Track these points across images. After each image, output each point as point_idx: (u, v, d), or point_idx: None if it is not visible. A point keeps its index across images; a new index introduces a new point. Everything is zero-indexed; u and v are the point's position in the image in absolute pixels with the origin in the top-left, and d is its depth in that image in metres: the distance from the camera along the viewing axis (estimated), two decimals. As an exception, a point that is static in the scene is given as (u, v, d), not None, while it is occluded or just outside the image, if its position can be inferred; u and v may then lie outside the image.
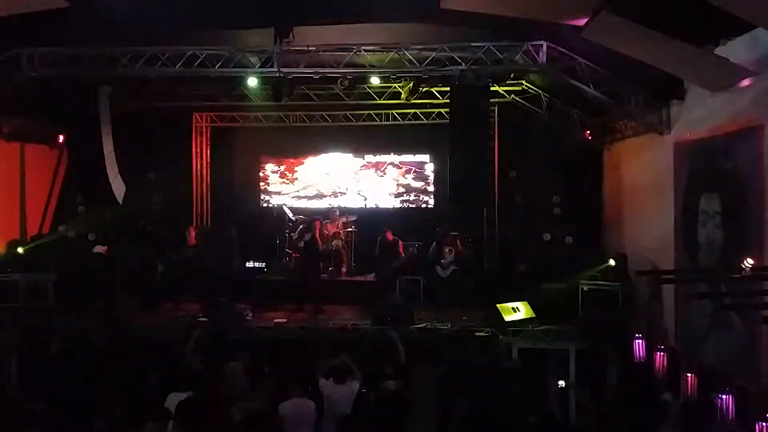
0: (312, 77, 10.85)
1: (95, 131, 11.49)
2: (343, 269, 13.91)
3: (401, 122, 14.86)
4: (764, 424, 4.99)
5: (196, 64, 10.50)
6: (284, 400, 6.79)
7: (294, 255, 13.43)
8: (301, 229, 12.90)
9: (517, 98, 13.54)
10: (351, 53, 10.32)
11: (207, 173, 15.70)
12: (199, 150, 15.48)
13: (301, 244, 12.57)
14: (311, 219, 12.88)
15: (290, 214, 14.34)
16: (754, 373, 7.21)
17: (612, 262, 11.52)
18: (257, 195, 15.87)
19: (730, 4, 6.33)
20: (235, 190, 15.66)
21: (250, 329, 10.77)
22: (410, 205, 15.68)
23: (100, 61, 10.49)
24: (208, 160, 15.72)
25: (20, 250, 12.60)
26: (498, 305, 10.77)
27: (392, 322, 10.39)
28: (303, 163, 15.86)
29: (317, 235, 12.32)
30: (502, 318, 10.56)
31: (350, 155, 15.71)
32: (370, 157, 15.73)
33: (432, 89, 12.71)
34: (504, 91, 13.23)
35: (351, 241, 14.19)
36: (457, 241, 12.31)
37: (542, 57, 10.03)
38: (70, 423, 6.60)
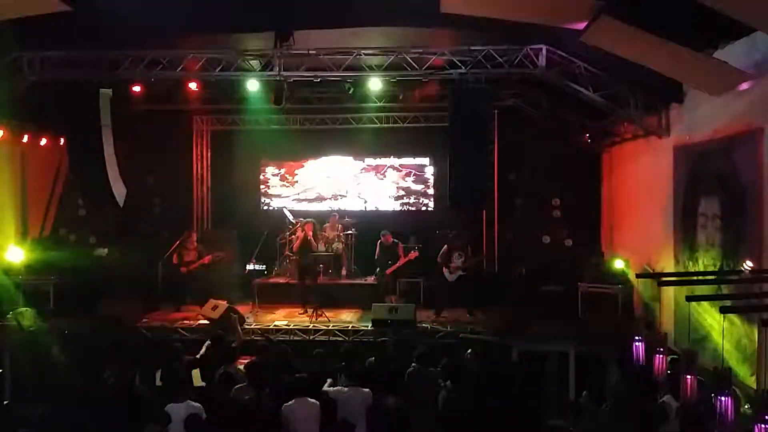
0: (312, 80, 10.89)
1: (96, 134, 11.48)
2: (343, 272, 13.94)
3: (401, 125, 14.88)
4: (764, 426, 4.99)
5: (196, 67, 10.54)
6: (288, 401, 6.77)
7: (292, 258, 13.45)
8: (297, 233, 12.92)
9: (517, 101, 13.56)
10: (351, 56, 10.36)
11: (207, 176, 15.72)
12: (199, 153, 15.50)
13: (296, 248, 12.62)
14: (302, 222, 12.90)
15: (290, 217, 14.36)
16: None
17: (611, 265, 11.54)
18: (257, 198, 15.89)
19: (730, 8, 6.35)
20: (236, 192, 15.67)
21: (250, 332, 10.77)
22: (410, 208, 15.68)
23: (101, 65, 10.50)
24: (209, 163, 15.73)
25: (21, 253, 12.59)
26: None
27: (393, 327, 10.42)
28: (303, 166, 15.89)
29: (310, 238, 12.33)
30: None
31: (350, 158, 15.73)
32: (370, 160, 15.74)
33: (432, 93, 12.74)
34: (504, 94, 13.25)
35: (351, 244, 14.22)
36: (468, 247, 12.30)
37: (542, 61, 10.05)
38: (68, 426, 6.60)
